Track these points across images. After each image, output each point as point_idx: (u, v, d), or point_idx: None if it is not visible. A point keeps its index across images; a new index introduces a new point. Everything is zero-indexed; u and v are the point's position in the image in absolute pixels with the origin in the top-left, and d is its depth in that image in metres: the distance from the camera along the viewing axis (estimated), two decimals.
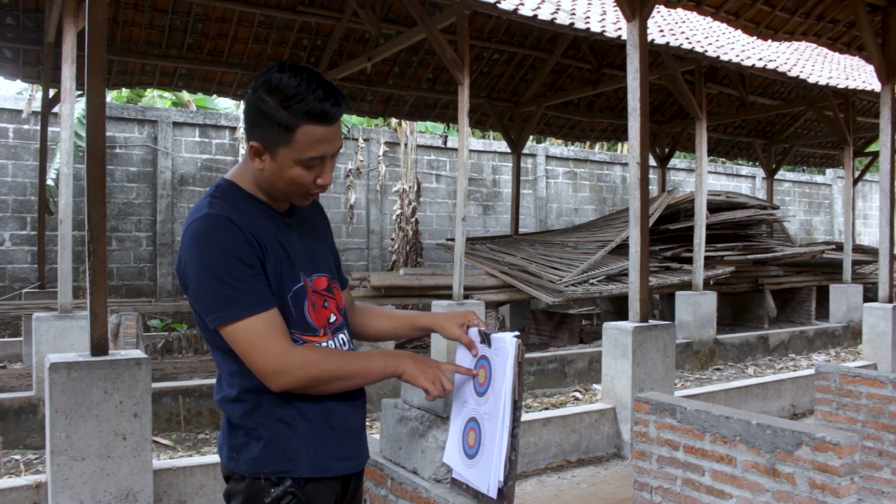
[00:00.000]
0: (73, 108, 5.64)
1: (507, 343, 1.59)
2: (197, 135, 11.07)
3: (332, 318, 1.64)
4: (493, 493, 1.60)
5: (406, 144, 12.56)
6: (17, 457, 4.86)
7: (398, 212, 12.34)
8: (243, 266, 1.45)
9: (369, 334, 1.85)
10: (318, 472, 1.55)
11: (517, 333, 1.59)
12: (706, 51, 8.59)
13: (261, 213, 1.54)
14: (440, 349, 7.03)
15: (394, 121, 12.86)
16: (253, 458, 1.52)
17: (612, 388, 5.23)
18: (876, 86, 8.89)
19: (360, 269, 12.19)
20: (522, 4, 7.20)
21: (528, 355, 7.64)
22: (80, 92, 7.08)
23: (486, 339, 1.65)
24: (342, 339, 1.67)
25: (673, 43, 8.30)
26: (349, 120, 12.70)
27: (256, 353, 1.44)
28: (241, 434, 1.53)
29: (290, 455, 1.52)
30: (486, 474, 1.62)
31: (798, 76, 9.55)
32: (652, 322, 5.27)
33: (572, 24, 7.56)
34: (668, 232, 9.88)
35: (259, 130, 1.47)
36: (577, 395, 6.90)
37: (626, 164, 15.38)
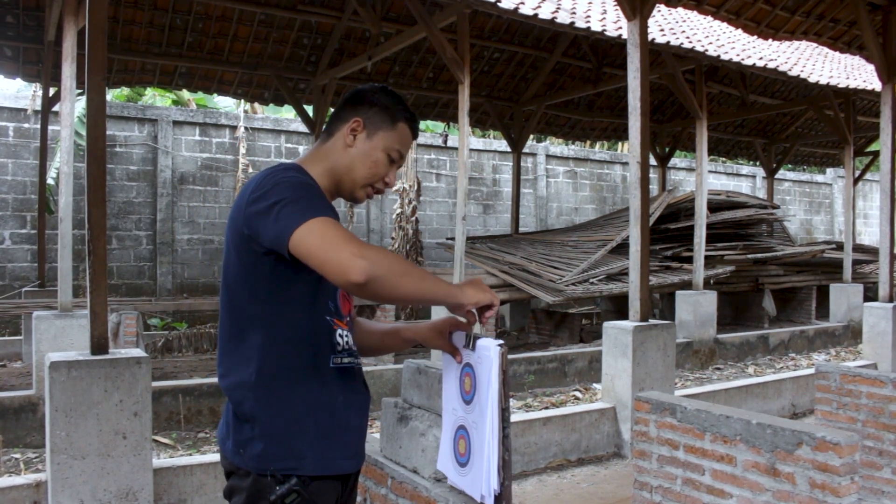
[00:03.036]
0: (74, 106, 5.64)
1: (490, 351, 1.57)
2: (197, 133, 11.06)
3: (348, 318, 1.70)
4: (490, 501, 1.59)
5: None
6: (17, 455, 4.86)
7: (398, 211, 12.32)
8: (320, 195, 1.55)
9: (360, 349, 1.85)
10: (324, 470, 1.55)
11: (501, 342, 1.58)
12: (707, 50, 8.58)
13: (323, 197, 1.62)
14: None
15: None
16: (259, 455, 1.52)
17: (613, 387, 5.23)
18: (876, 85, 8.89)
19: None
20: (523, 3, 7.19)
21: (528, 354, 7.65)
22: (80, 90, 7.08)
23: (471, 341, 1.64)
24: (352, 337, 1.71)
25: (673, 42, 8.30)
26: None
27: (328, 244, 1.39)
28: (248, 429, 1.53)
29: (297, 453, 1.53)
30: (479, 483, 1.61)
31: (799, 75, 9.55)
32: (652, 321, 5.27)
33: (573, 23, 7.56)
34: (669, 231, 9.88)
35: (368, 112, 1.68)
36: (578, 394, 6.90)
37: (626, 164, 15.37)
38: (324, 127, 1.75)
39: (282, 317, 1.54)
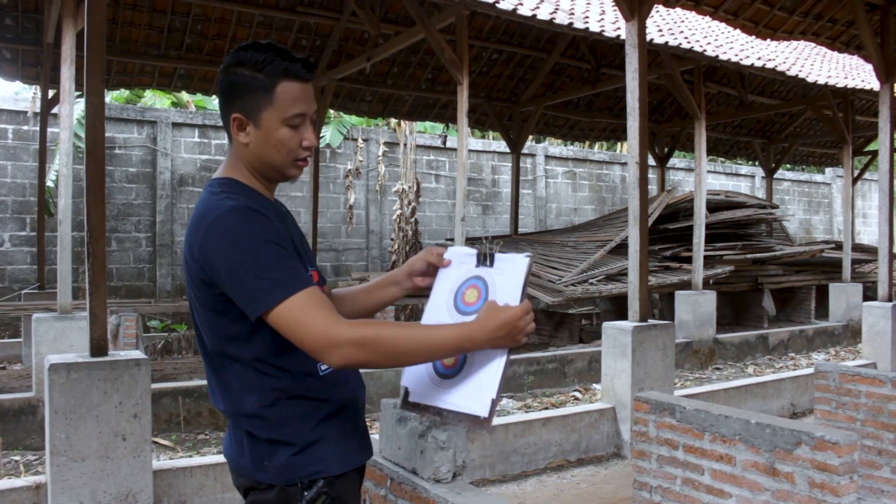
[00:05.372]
0: (73, 108, 5.65)
1: (517, 262, 1.52)
2: (196, 135, 11.07)
3: None
4: (485, 412, 1.50)
5: (405, 144, 12.56)
6: (17, 458, 4.86)
7: (398, 212, 12.34)
8: (279, 249, 1.43)
9: (356, 316, 1.80)
10: (346, 466, 1.55)
11: (529, 254, 1.54)
12: (705, 50, 8.59)
13: (266, 206, 1.54)
14: None
15: (393, 121, 12.86)
16: (284, 466, 1.49)
17: (612, 387, 5.23)
18: (875, 84, 8.90)
19: (360, 269, 12.19)
20: (521, 4, 7.20)
21: (528, 355, 7.65)
22: (79, 93, 7.07)
23: (486, 258, 1.58)
24: None
25: (672, 42, 8.31)
26: (348, 120, 12.70)
27: (306, 331, 1.38)
28: (265, 444, 1.50)
29: (320, 456, 1.51)
30: (473, 394, 1.52)
31: (797, 75, 9.56)
32: (651, 321, 5.27)
33: (571, 23, 7.56)
34: (668, 231, 9.88)
35: (239, 101, 1.50)
36: (577, 394, 6.91)
37: (625, 164, 15.38)
38: None
39: (258, 348, 1.49)
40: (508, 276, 1.53)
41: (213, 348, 1.53)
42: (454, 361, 1.58)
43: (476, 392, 1.52)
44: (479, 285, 1.59)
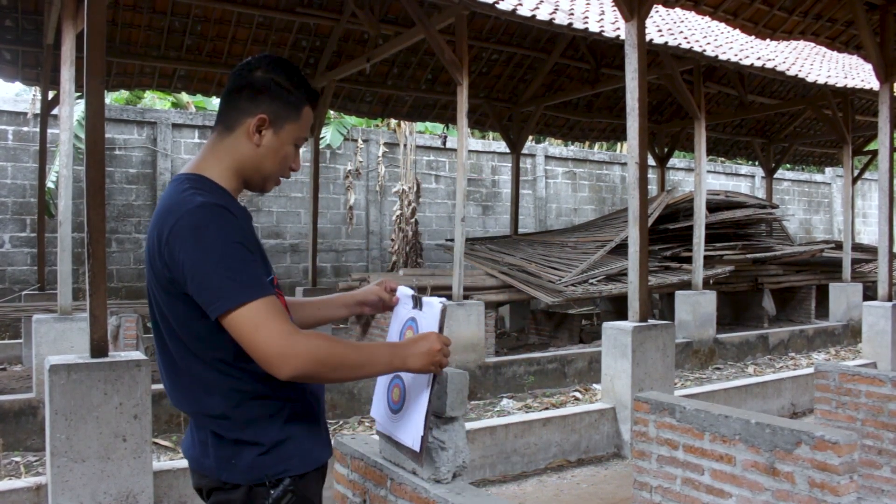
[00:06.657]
0: (73, 109, 5.65)
1: (434, 307, 1.69)
2: (196, 136, 11.07)
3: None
4: (416, 446, 1.68)
5: (405, 145, 12.56)
6: (18, 459, 4.86)
7: (398, 212, 12.34)
8: (245, 252, 1.43)
9: (299, 325, 1.82)
10: (309, 465, 1.57)
11: (444, 300, 1.71)
12: (705, 50, 8.59)
13: (234, 205, 1.54)
14: None
15: (393, 121, 12.87)
16: (250, 466, 1.50)
17: (612, 387, 5.23)
18: (874, 84, 8.90)
19: (360, 269, 12.20)
20: (521, 5, 7.20)
21: (528, 355, 7.65)
22: (79, 94, 7.07)
23: (417, 302, 1.77)
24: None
25: (671, 42, 8.31)
26: (348, 121, 12.70)
27: (262, 337, 1.38)
28: (231, 444, 1.51)
29: (287, 455, 1.52)
30: (410, 429, 1.70)
31: (797, 75, 9.56)
32: (651, 322, 5.27)
33: (571, 24, 7.57)
34: (668, 231, 9.88)
35: (271, 104, 1.55)
36: (577, 394, 6.91)
37: (625, 164, 15.38)
38: (218, 116, 1.62)
39: (220, 349, 1.48)
40: (428, 318, 1.72)
41: (174, 348, 1.52)
42: (398, 397, 1.77)
43: (410, 427, 1.71)
44: (413, 327, 1.78)
